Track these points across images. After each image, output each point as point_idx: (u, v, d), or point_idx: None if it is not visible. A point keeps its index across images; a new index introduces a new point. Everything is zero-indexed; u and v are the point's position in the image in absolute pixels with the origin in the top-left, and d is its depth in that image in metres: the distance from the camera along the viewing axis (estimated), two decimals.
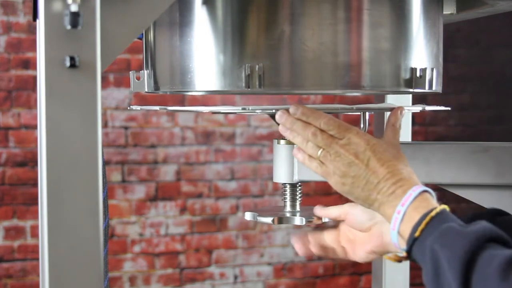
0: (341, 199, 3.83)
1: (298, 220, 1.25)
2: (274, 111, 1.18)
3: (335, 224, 1.28)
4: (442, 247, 0.93)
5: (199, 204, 3.63)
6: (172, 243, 3.60)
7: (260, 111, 1.22)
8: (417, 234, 0.99)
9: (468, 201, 1.36)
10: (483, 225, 0.95)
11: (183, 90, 1.17)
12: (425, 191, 1.03)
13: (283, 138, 1.30)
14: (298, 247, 1.28)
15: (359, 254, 1.23)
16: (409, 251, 1.00)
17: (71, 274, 0.94)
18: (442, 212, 0.99)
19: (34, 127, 3.34)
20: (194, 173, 3.62)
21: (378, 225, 1.20)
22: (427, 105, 1.28)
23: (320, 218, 1.27)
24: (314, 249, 1.27)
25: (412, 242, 0.99)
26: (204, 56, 1.14)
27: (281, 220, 1.26)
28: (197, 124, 3.61)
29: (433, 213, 0.99)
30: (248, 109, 1.20)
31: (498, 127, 4.05)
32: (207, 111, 1.26)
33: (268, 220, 1.25)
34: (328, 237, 1.28)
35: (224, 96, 3.43)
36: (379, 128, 1.87)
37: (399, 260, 1.05)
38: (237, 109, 1.23)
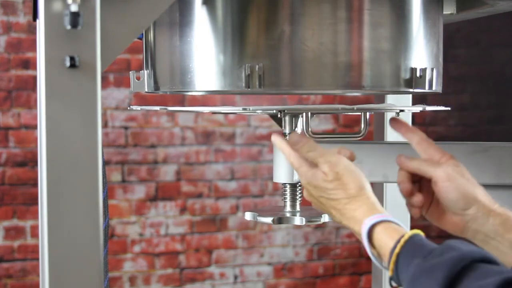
0: None
1: (298, 220, 1.25)
2: (274, 111, 1.18)
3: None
4: None
5: (199, 204, 3.63)
6: (172, 243, 3.59)
7: (260, 111, 1.22)
8: (390, 274, 0.97)
9: None
10: (450, 254, 0.89)
11: (183, 90, 1.17)
12: (387, 220, 1.01)
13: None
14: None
15: (439, 222, 1.11)
16: (395, 284, 0.99)
17: (71, 274, 0.94)
18: (406, 244, 0.96)
19: (34, 127, 3.34)
20: (194, 173, 3.62)
21: (466, 218, 1.05)
22: (427, 105, 1.28)
23: (319, 219, 1.26)
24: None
25: (390, 280, 0.98)
26: (204, 56, 1.14)
27: (281, 220, 1.26)
28: (197, 124, 3.61)
29: (397, 250, 0.96)
30: (249, 110, 1.20)
31: (498, 127, 4.05)
32: (207, 111, 1.26)
33: (268, 220, 1.25)
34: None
35: (224, 96, 3.43)
36: (379, 128, 1.87)
37: None
38: (237, 109, 1.23)
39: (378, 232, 1.00)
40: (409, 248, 0.96)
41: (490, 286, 0.83)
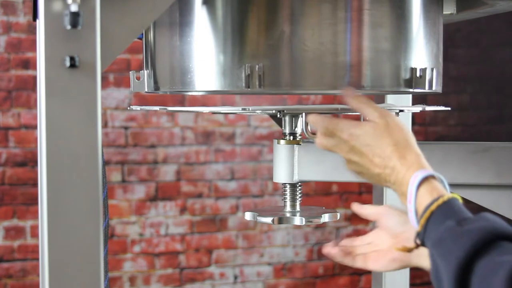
0: (341, 199, 3.83)
1: (298, 220, 1.25)
2: (274, 111, 1.18)
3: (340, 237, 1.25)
4: (439, 256, 0.92)
5: (199, 204, 3.63)
6: (172, 243, 3.59)
7: (260, 111, 1.22)
8: (419, 229, 0.98)
9: (468, 201, 1.36)
10: (483, 224, 0.91)
11: (183, 90, 1.17)
12: (431, 176, 1.01)
13: (283, 138, 1.30)
14: (329, 251, 1.23)
15: (381, 261, 1.18)
16: (420, 242, 0.99)
17: (71, 274, 0.94)
18: (444, 204, 0.97)
19: (34, 127, 3.34)
20: (194, 173, 3.62)
21: (409, 232, 1.15)
22: (427, 105, 1.28)
23: (319, 219, 1.26)
24: (339, 257, 1.22)
25: (418, 235, 0.99)
26: (204, 56, 1.14)
27: (281, 220, 1.26)
28: (197, 124, 3.61)
29: (433, 207, 0.97)
30: (248, 110, 1.20)
31: (498, 127, 4.05)
32: (207, 111, 1.26)
33: (268, 220, 1.25)
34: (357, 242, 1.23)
35: (224, 96, 3.43)
36: None
37: (409, 250, 1.04)
38: (237, 109, 1.23)
39: (423, 187, 1.00)
40: (445, 209, 0.96)
41: (507, 263, 0.83)
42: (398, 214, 1.18)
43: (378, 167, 1.06)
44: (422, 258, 1.10)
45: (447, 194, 0.99)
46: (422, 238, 0.98)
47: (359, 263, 1.20)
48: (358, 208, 1.23)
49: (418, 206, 1.00)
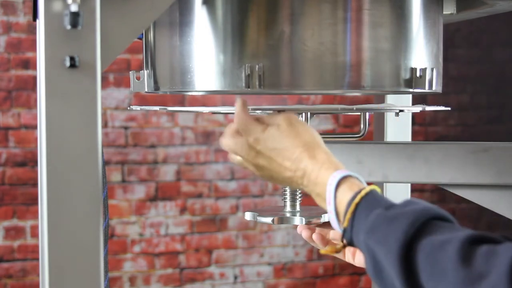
0: None
1: (298, 220, 1.25)
2: (274, 111, 1.18)
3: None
4: (377, 244, 0.88)
5: (199, 204, 3.63)
6: (172, 243, 3.59)
7: (260, 111, 1.22)
8: (345, 225, 0.94)
9: (468, 201, 1.36)
10: (414, 206, 0.88)
11: (183, 90, 1.17)
12: (349, 176, 0.98)
13: None
14: (302, 231, 1.24)
15: (358, 258, 1.19)
16: (346, 240, 0.95)
17: (71, 274, 0.94)
18: (367, 195, 0.93)
19: (34, 127, 3.34)
20: (194, 173, 3.62)
21: None
22: (427, 105, 1.28)
23: (319, 219, 1.26)
24: (317, 240, 1.24)
25: (344, 232, 0.95)
26: (204, 56, 1.14)
27: (281, 220, 1.26)
28: (197, 124, 3.61)
29: (357, 199, 0.93)
30: (249, 110, 1.20)
31: (498, 127, 4.05)
32: (207, 111, 1.26)
33: (268, 220, 1.25)
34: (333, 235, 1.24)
35: (224, 96, 3.43)
36: (379, 128, 1.87)
37: (337, 251, 0.99)
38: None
39: (342, 187, 0.96)
40: (370, 199, 0.93)
41: (455, 239, 0.81)
42: None
43: (289, 170, 1.02)
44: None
45: (369, 186, 0.95)
46: (350, 235, 0.94)
47: (347, 257, 1.20)
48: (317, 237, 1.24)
49: (338, 205, 0.96)
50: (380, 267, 0.88)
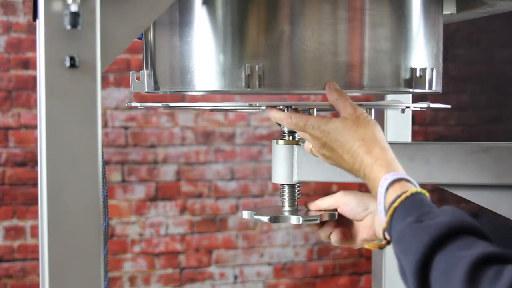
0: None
1: (295, 219, 1.25)
2: (281, 107, 1.18)
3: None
4: (401, 253, 0.92)
5: (199, 204, 3.63)
6: (172, 243, 3.59)
7: (265, 107, 1.21)
8: (384, 226, 0.99)
9: (468, 201, 1.36)
10: (442, 219, 0.89)
11: (183, 90, 1.17)
12: (401, 179, 1.00)
13: (282, 138, 1.30)
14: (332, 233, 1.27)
15: (353, 240, 1.24)
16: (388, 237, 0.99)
17: (71, 274, 0.94)
18: (406, 200, 0.96)
19: (34, 127, 3.34)
20: (194, 173, 3.62)
21: (371, 215, 1.20)
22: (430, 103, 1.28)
23: (317, 218, 1.25)
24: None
25: (384, 232, 0.99)
26: (204, 56, 1.14)
27: (277, 218, 1.25)
28: (197, 124, 3.61)
29: (396, 203, 0.96)
30: (255, 105, 1.19)
31: (498, 127, 4.05)
32: (210, 107, 1.25)
33: (265, 218, 1.24)
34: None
35: (224, 96, 3.42)
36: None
37: (380, 247, 1.05)
38: (243, 105, 1.23)
39: (392, 188, 1.00)
40: (407, 204, 0.96)
41: (466, 258, 0.82)
42: (354, 196, 1.22)
43: (347, 162, 1.07)
44: None
45: (411, 189, 0.98)
46: (389, 235, 0.98)
47: (333, 239, 1.25)
48: (314, 205, 1.27)
49: (386, 205, 1.00)
50: (405, 274, 0.92)
